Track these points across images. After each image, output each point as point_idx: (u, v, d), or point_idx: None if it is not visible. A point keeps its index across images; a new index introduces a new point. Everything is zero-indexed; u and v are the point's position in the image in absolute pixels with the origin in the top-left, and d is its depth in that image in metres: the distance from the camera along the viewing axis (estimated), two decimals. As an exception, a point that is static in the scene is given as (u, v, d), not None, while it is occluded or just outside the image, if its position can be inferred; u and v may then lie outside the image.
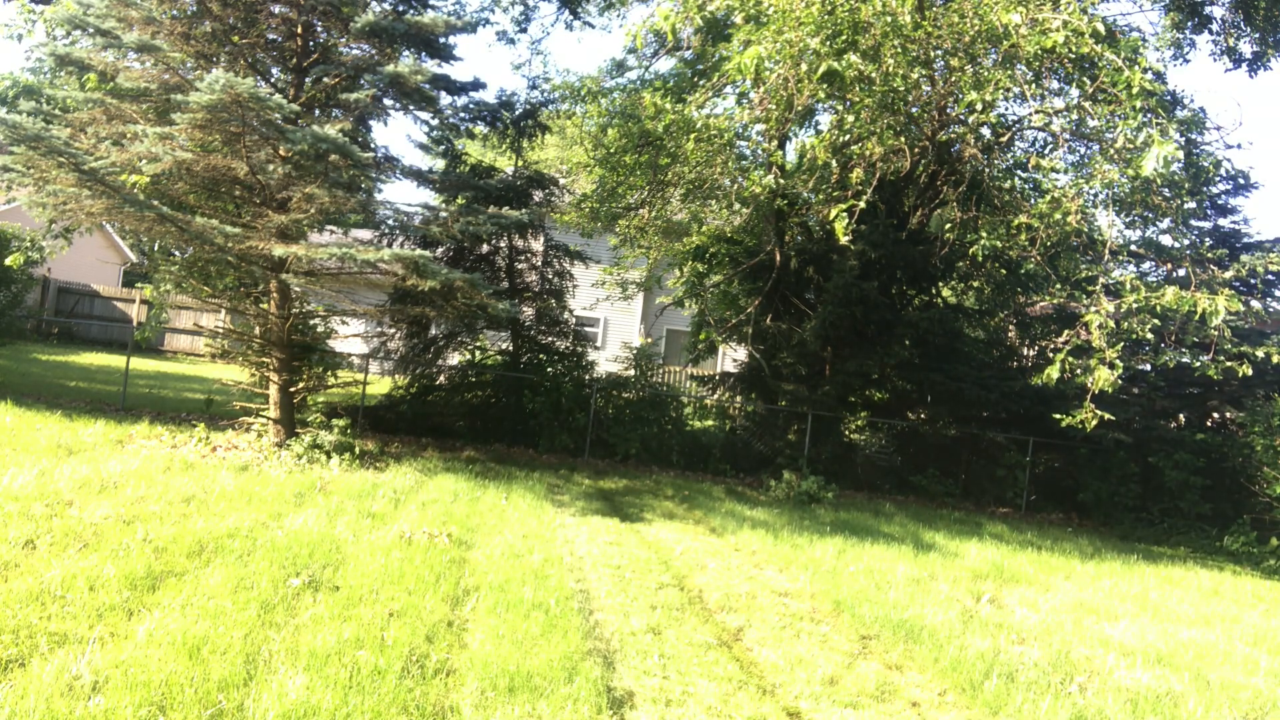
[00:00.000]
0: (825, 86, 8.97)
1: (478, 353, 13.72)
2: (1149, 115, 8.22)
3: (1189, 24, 14.99)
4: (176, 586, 4.50)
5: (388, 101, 9.81)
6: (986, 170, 12.67)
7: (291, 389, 9.69)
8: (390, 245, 11.75)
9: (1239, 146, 16.58)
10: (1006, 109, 12.54)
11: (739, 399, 14.77)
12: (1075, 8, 8.41)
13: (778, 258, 14.08)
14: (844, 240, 8.11)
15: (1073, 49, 8.33)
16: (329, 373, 11.03)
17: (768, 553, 7.67)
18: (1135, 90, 8.06)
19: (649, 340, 22.36)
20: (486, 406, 13.45)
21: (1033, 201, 11.14)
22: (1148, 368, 13.82)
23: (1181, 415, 14.05)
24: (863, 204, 9.18)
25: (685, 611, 5.44)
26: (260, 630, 4.05)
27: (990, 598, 6.86)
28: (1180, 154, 7.74)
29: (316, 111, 9.80)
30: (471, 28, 9.65)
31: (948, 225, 13.19)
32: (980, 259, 11.95)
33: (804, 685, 4.40)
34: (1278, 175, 77.36)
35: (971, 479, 14.04)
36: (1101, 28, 8.29)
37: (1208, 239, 13.42)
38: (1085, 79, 9.69)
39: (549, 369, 13.39)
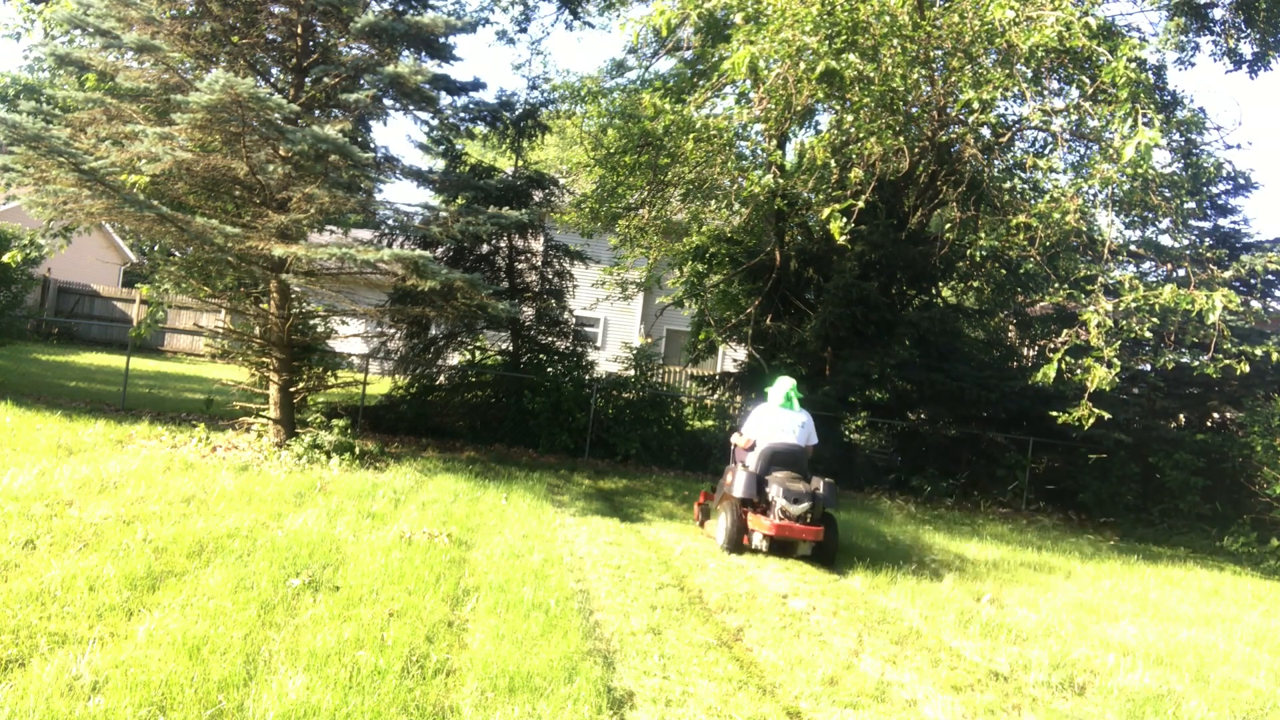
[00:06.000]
0: (824, 86, 8.97)
1: (478, 353, 13.72)
2: (1134, 102, 8.22)
3: (1192, 26, 15.01)
4: (176, 586, 4.50)
5: (388, 101, 9.80)
6: (986, 170, 12.67)
7: (291, 389, 9.68)
8: (390, 245, 11.75)
9: (1239, 147, 16.62)
10: (1006, 109, 12.55)
11: (739, 399, 14.77)
12: (1067, 3, 8.42)
13: (778, 258, 14.07)
14: (841, 240, 8.11)
15: (1064, 43, 8.34)
16: (329, 373, 11.02)
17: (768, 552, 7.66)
18: (1121, 80, 8.08)
19: (649, 340, 22.36)
20: (486, 406, 13.45)
21: (1033, 201, 11.14)
22: (1147, 368, 13.81)
23: (1181, 415, 14.04)
24: (861, 204, 9.19)
25: (685, 612, 5.43)
26: (260, 630, 4.05)
27: (990, 598, 6.86)
28: (1160, 139, 7.73)
29: (316, 112, 9.79)
30: (471, 28, 9.64)
31: (948, 225, 13.19)
32: (980, 259, 11.95)
33: (804, 685, 4.40)
34: (1278, 175, 77.37)
35: (971, 479, 14.03)
36: (1093, 23, 8.29)
37: (1208, 239, 13.41)
38: (1085, 79, 9.69)
39: (549, 369, 13.39)
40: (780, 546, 7.32)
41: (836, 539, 7.38)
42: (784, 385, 7.95)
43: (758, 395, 8.88)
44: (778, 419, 7.78)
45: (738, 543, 7.38)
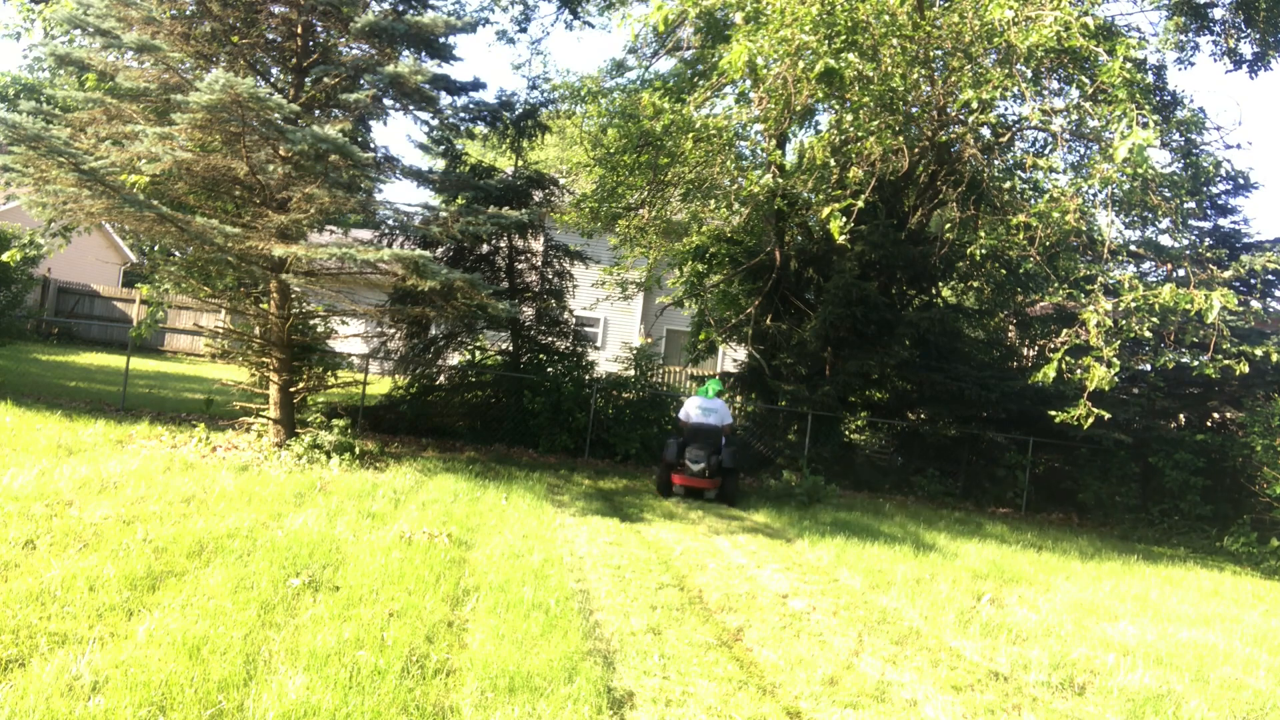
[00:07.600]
0: (824, 86, 8.98)
1: (478, 353, 13.71)
2: (1132, 103, 8.23)
3: (1192, 26, 15.01)
4: (176, 586, 4.50)
5: (388, 101, 9.80)
6: (986, 170, 12.66)
7: (291, 389, 9.68)
8: (390, 245, 11.75)
9: (1239, 147, 16.58)
10: (1006, 109, 12.55)
11: (739, 399, 14.77)
12: (1066, 3, 8.42)
13: (778, 258, 14.07)
14: (840, 240, 8.12)
15: (1063, 43, 8.35)
16: (329, 373, 11.02)
17: (768, 553, 7.67)
18: (1118, 81, 8.09)
19: (649, 340, 22.35)
20: (486, 407, 13.45)
21: (1032, 201, 11.14)
22: (1147, 368, 13.80)
23: (1181, 415, 14.04)
24: (860, 204, 9.19)
25: (685, 612, 5.44)
26: (260, 630, 4.05)
27: (990, 598, 6.87)
28: (1155, 140, 7.73)
29: (316, 111, 9.79)
30: (471, 28, 9.64)
31: (947, 225, 13.18)
32: (979, 259, 11.95)
33: (804, 685, 4.40)
34: (1278, 175, 77.38)
35: (971, 479, 14.03)
36: (1092, 23, 8.29)
37: (1207, 239, 13.40)
38: (1084, 79, 9.69)
39: (549, 369, 13.39)
40: (692, 493, 10.43)
41: (732, 488, 10.38)
42: (706, 383, 11.40)
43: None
44: (700, 405, 10.84)
45: (666, 490, 10.46)
